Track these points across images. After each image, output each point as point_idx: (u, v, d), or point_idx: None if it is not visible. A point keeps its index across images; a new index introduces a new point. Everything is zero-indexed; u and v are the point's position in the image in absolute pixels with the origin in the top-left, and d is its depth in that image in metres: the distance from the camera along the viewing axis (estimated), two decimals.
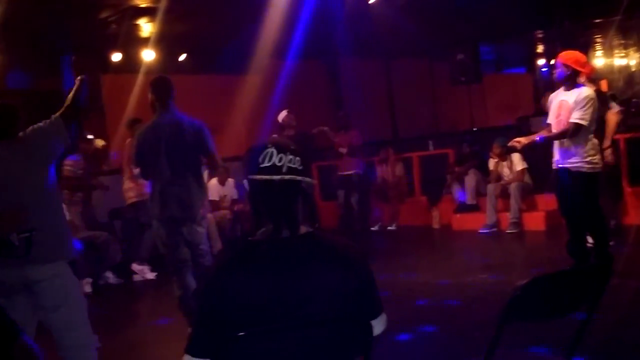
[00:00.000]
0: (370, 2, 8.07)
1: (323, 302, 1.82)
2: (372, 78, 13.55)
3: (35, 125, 3.52)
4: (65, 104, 3.62)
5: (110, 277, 7.72)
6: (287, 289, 1.82)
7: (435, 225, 10.04)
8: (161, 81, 5.13)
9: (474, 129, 11.96)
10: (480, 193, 9.58)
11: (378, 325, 1.92)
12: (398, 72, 13.79)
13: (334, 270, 1.86)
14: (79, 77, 3.71)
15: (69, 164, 7.35)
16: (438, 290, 6.09)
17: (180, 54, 10.29)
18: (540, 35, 13.43)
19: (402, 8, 8.73)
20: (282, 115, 8.31)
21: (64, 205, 4.10)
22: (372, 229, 10.39)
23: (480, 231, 9.05)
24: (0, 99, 8.94)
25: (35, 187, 3.39)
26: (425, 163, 10.94)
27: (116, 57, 9.49)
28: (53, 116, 3.57)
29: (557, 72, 5.40)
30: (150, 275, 7.87)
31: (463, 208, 9.79)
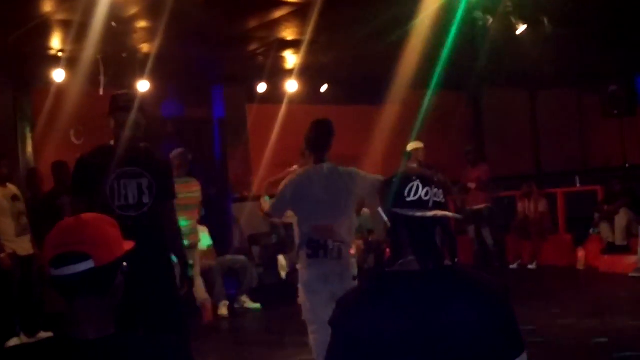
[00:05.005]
0: (517, 33, 7.82)
1: (462, 337, 1.74)
2: (516, 109, 13.13)
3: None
4: None
5: (246, 301, 7.93)
6: (426, 322, 1.75)
7: (580, 266, 9.48)
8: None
9: (627, 165, 11.21)
10: (631, 234, 9.01)
11: None
12: (544, 103, 13.27)
13: (475, 305, 1.78)
14: None
15: None
16: (582, 332, 5.77)
17: (321, 85, 10.52)
18: None
19: (551, 38, 8.38)
20: (414, 145, 8.06)
21: None
22: (511, 267, 9.96)
23: (631, 275, 8.43)
24: (155, 126, 9.55)
25: (346, 209, 4.26)
26: (570, 199, 10.40)
27: (261, 87, 9.80)
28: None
29: None
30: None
31: (612, 249, 9.20)
